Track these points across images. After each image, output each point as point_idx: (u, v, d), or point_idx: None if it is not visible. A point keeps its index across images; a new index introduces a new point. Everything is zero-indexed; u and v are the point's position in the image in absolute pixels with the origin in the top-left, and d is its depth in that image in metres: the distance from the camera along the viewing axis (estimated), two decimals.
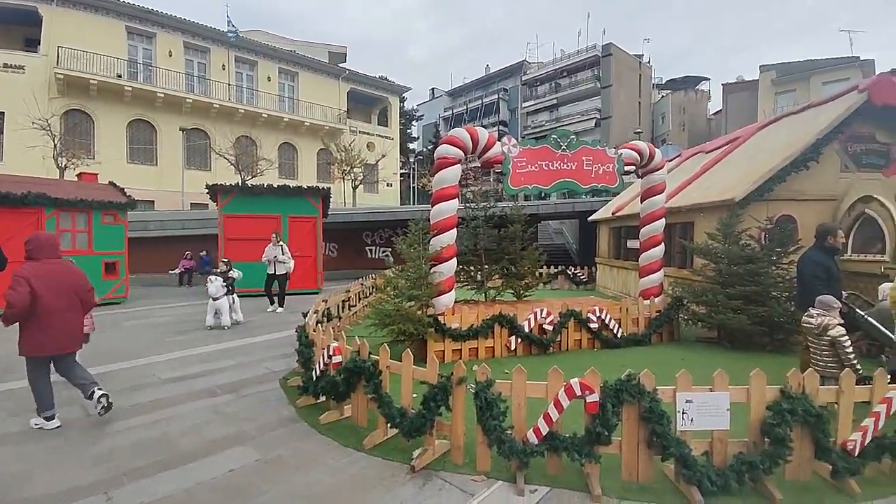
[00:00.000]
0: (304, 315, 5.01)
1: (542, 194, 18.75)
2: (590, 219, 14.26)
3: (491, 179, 28.58)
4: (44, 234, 4.01)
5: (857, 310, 4.51)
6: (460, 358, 5.39)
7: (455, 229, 5.95)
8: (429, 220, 5.97)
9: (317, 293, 10.62)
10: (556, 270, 13.99)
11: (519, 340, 5.74)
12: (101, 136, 20.73)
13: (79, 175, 12.14)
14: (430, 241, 5.83)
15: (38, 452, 3.20)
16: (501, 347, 5.71)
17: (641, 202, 7.18)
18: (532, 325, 5.81)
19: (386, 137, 30.84)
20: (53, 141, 17.25)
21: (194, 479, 2.82)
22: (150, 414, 3.88)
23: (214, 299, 7.16)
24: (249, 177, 20.87)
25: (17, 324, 3.45)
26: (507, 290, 7.56)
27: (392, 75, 45.00)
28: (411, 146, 43.07)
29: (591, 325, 6.08)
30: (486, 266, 7.65)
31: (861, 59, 25.59)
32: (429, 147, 39.11)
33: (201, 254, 14.96)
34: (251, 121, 24.75)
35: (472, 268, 7.75)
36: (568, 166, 6.54)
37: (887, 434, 2.74)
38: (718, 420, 2.74)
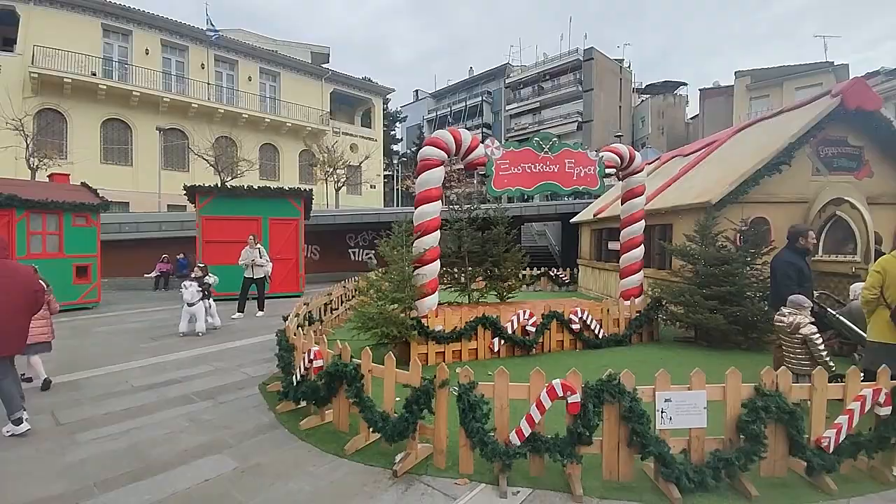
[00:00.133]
0: (285, 319, 4.92)
1: (526, 196, 18.86)
2: (572, 221, 14.42)
3: (475, 181, 28.69)
4: None
5: (829, 309, 4.67)
6: (443, 360, 5.37)
7: (438, 231, 5.94)
8: (412, 222, 5.94)
9: (298, 296, 10.46)
10: (538, 272, 14.11)
11: (502, 342, 5.75)
12: (74, 136, 20.11)
13: (50, 176, 11.72)
14: (413, 243, 5.81)
15: (8, 462, 3.08)
16: (485, 349, 5.72)
17: (622, 204, 7.29)
18: (515, 326, 5.82)
19: (369, 139, 30.67)
20: (26, 141, 16.66)
21: (168, 489, 2.73)
22: (122, 423, 3.75)
23: (190, 305, 6.99)
24: (229, 178, 20.49)
25: None
26: (490, 291, 7.59)
27: (375, 77, 44.86)
28: (395, 148, 42.94)
29: (573, 326, 6.14)
30: (470, 268, 7.67)
31: (835, 63, 26.58)
32: (413, 149, 39.03)
33: (178, 257, 14.59)
34: (231, 121, 24.31)
35: (455, 270, 7.76)
36: (550, 169, 6.60)
37: (862, 432, 2.82)
38: (696, 418, 2.78)
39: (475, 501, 2.64)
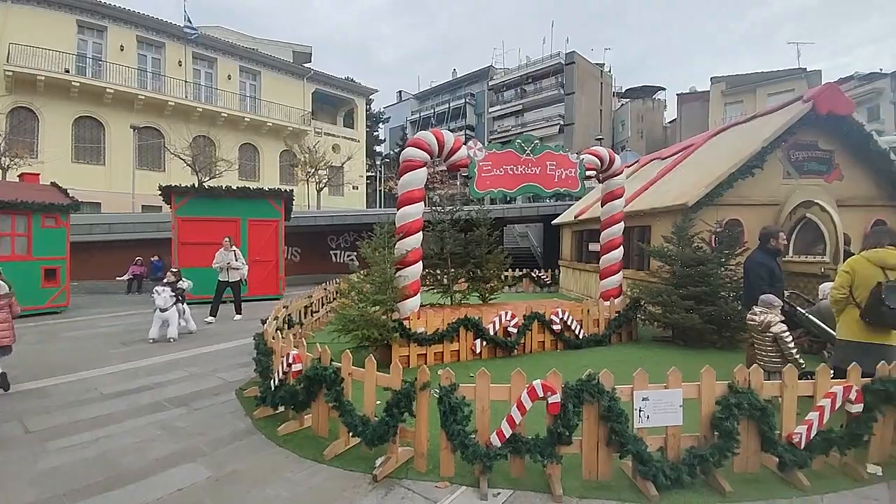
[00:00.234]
0: (263, 322, 4.83)
1: (508, 198, 19.02)
2: (553, 222, 14.57)
3: (458, 183, 28.75)
4: None
5: (799, 308, 4.81)
6: (425, 363, 5.35)
7: (421, 233, 5.92)
8: (394, 224, 5.91)
9: (278, 299, 10.28)
10: (520, 273, 14.20)
11: (484, 343, 5.76)
12: (45, 134, 19.43)
13: (20, 176, 11.28)
14: (395, 244, 5.78)
15: None
16: (467, 351, 5.72)
17: (602, 206, 7.40)
18: (497, 327, 5.84)
19: (352, 139, 30.44)
20: None
21: (140, 499, 2.64)
22: (92, 431, 3.62)
23: (162, 310, 6.78)
24: (207, 178, 20.04)
25: None
26: (472, 293, 7.59)
27: (358, 77, 44.58)
28: (378, 149, 42.73)
29: (554, 327, 6.19)
30: (453, 269, 7.66)
31: (807, 70, 27.56)
32: (396, 150, 38.87)
33: (152, 259, 14.19)
34: (210, 120, 23.81)
35: (438, 271, 7.75)
36: (532, 171, 6.66)
37: (834, 429, 2.91)
38: (672, 416, 2.83)
39: None
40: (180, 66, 23.30)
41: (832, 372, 3.04)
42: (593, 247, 10.12)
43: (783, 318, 3.89)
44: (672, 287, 6.43)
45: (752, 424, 2.85)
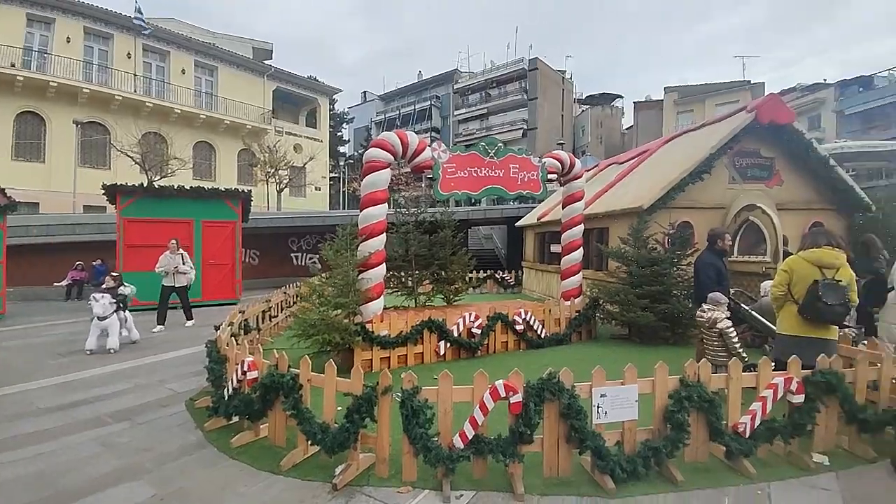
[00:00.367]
0: (217, 328, 4.60)
1: (472, 200, 19.13)
2: (516, 224, 14.81)
3: (423, 185, 28.71)
4: None
5: (743, 305, 5.11)
6: (389, 366, 5.28)
7: (384, 234, 5.84)
8: (357, 226, 5.81)
9: (234, 304, 9.87)
10: (485, 275, 14.33)
11: (448, 345, 5.76)
12: None
13: None
14: (358, 246, 5.67)
15: None
16: (430, 353, 5.69)
17: (562, 209, 7.58)
18: (461, 329, 5.85)
19: (314, 140, 29.74)
20: None
21: None
22: (27, 448, 3.32)
23: (101, 319, 6.31)
24: (157, 177, 19.01)
25: None
26: (437, 294, 7.58)
27: (322, 76, 43.65)
28: (342, 149, 42.02)
29: (517, 327, 6.27)
30: (417, 271, 7.62)
31: (752, 82, 29.45)
32: (360, 151, 38.38)
33: (95, 263, 13.27)
34: (162, 116, 22.60)
35: (402, 273, 7.68)
36: (495, 173, 6.73)
37: (777, 418, 3.09)
38: (628, 411, 2.92)
39: None
40: (129, 58, 22.01)
41: (773, 364, 3.23)
42: (555, 248, 10.35)
43: (729, 315, 4.11)
44: (629, 287, 6.66)
45: (702, 416, 2.99)
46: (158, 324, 7.96)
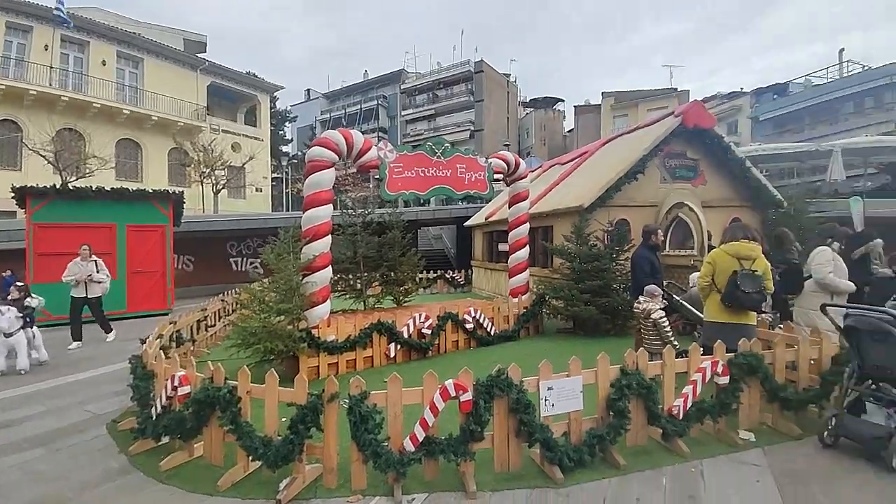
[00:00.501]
0: (143, 341, 4.23)
1: (421, 200, 19.04)
2: (465, 224, 14.97)
3: (370, 185, 28.26)
4: None
5: (674, 295, 5.46)
6: (337, 372, 5.12)
7: (330, 236, 5.66)
8: (301, 227, 5.59)
9: (165, 314, 9.16)
10: (435, 275, 14.36)
11: (398, 347, 5.68)
12: None
13: None
14: (302, 249, 5.45)
15: None
16: (380, 356, 5.58)
17: (509, 208, 7.74)
18: (411, 330, 5.80)
19: (254, 138, 28.29)
20: None
21: None
22: None
23: (7, 336, 5.60)
24: (74, 178, 17.22)
25: None
26: (386, 296, 7.48)
27: (262, 73, 41.74)
28: (284, 149, 40.32)
29: (467, 326, 6.32)
30: (366, 273, 7.47)
31: (678, 89, 31.76)
32: (304, 150, 37.01)
33: (4, 274, 11.80)
34: (79, 111, 20.49)
35: (350, 276, 7.51)
36: (443, 173, 6.75)
37: (705, 399, 3.31)
38: (574, 402, 3.02)
39: None
40: (46, 50, 19.78)
41: (702, 350, 3.47)
42: (502, 247, 10.56)
43: (662, 306, 4.38)
44: (572, 282, 6.93)
45: (640, 402, 3.15)
46: (75, 340, 7.17)
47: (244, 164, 24.88)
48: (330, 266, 5.66)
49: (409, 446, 2.75)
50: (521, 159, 7.67)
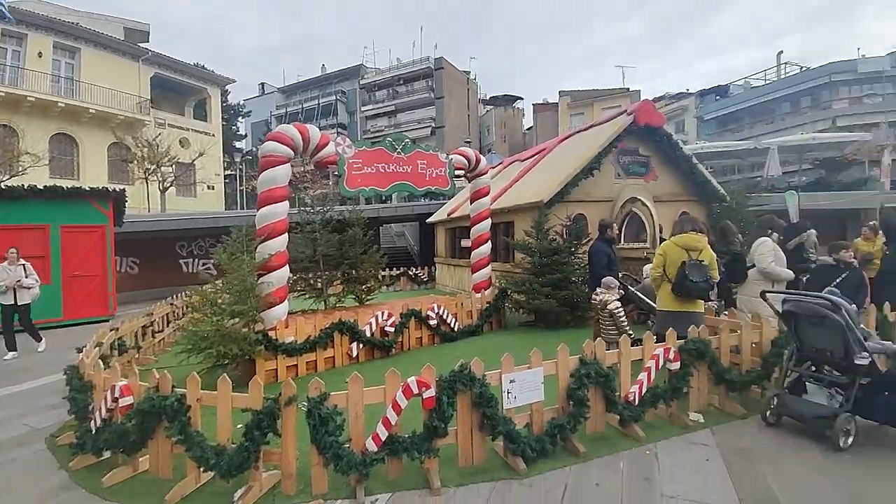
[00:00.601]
0: (79, 351, 3.91)
1: (383, 197, 18.80)
2: (428, 221, 14.92)
3: (330, 183, 27.62)
4: None
5: (629, 286, 5.68)
6: (297, 374, 4.96)
7: (286, 234, 5.46)
8: (256, 226, 5.35)
9: (107, 321, 8.55)
10: (398, 272, 14.24)
11: (361, 346, 5.58)
12: None
13: None
14: (257, 248, 5.23)
15: None
16: (342, 356, 5.46)
17: (471, 204, 7.77)
18: (374, 328, 5.70)
19: (205, 133, 26.86)
20: None
21: None
22: None
23: None
24: (7, 176, 15.74)
25: None
26: (348, 295, 7.33)
27: (213, 65, 39.77)
28: (238, 145, 38.64)
29: (431, 322, 6.30)
30: (326, 272, 7.28)
31: (630, 89, 33.04)
32: (258, 146, 35.65)
33: None
34: (13, 106, 18.69)
35: (310, 275, 7.29)
36: (404, 169, 6.67)
37: (659, 385, 3.45)
38: (536, 393, 3.06)
39: None
40: None
41: (655, 338, 3.62)
42: (465, 243, 10.61)
43: (619, 297, 4.53)
44: (533, 276, 7.05)
45: (599, 390, 3.24)
46: (10, 350, 6.57)
47: (193, 161, 23.60)
48: (287, 265, 5.47)
49: (372, 446, 2.69)
50: (481, 155, 7.72)
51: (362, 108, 38.89)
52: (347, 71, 39.98)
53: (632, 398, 3.33)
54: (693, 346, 3.54)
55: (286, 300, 5.41)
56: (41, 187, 9.31)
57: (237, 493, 2.60)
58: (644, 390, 3.37)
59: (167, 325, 6.92)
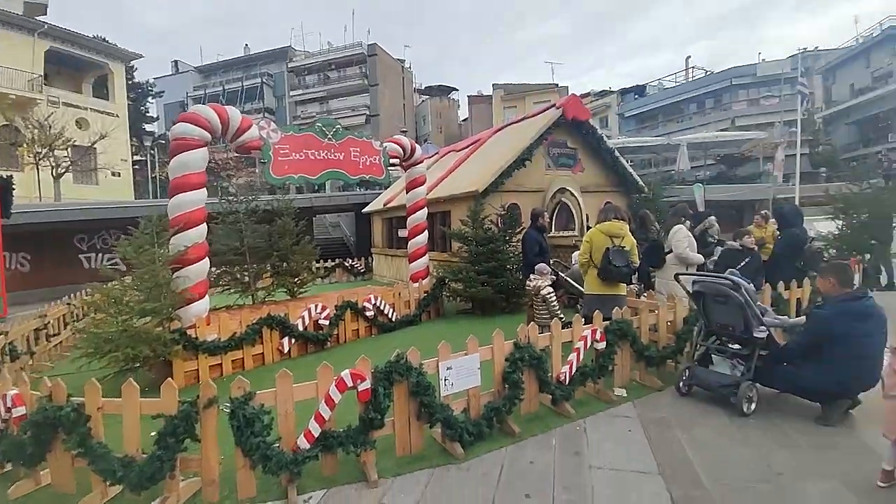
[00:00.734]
0: None
1: (314, 186, 18.01)
2: (363, 211, 14.59)
3: (257, 171, 26.00)
4: None
5: (560, 272, 5.95)
6: (221, 374, 4.63)
7: (204, 224, 5.03)
8: (168, 216, 4.86)
9: None
10: (333, 264, 13.81)
11: (293, 341, 5.32)
12: None
13: None
14: (170, 240, 4.76)
15: None
16: (273, 352, 5.18)
17: (407, 193, 7.68)
18: (307, 322, 5.47)
19: (107, 114, 23.93)
20: None
21: None
22: None
23: None
24: None
25: None
26: (279, 288, 6.97)
27: (118, 40, 35.44)
28: (149, 128, 35.00)
29: (368, 314, 6.17)
30: (254, 265, 6.86)
31: (559, 85, 34.53)
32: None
33: None
34: None
35: (235, 268, 6.83)
36: (335, 156, 6.41)
37: (587, 364, 3.64)
38: (472, 379, 3.10)
39: None
40: None
41: (583, 320, 3.82)
42: (402, 233, 10.50)
43: (551, 282, 4.73)
44: (469, 265, 7.14)
45: (532, 372, 3.36)
46: None
47: (93, 144, 21.03)
48: (206, 258, 5.04)
49: (304, 444, 2.57)
50: (416, 144, 7.64)
51: (291, 93, 36.97)
52: (274, 52, 37.73)
53: (563, 378, 3.49)
54: (617, 326, 3.78)
55: (206, 296, 5.00)
56: None
57: None
58: (574, 370, 3.55)
59: (64, 328, 6.13)
